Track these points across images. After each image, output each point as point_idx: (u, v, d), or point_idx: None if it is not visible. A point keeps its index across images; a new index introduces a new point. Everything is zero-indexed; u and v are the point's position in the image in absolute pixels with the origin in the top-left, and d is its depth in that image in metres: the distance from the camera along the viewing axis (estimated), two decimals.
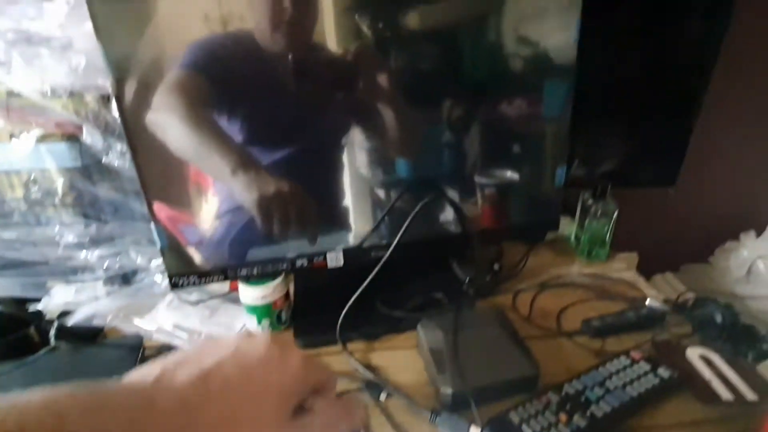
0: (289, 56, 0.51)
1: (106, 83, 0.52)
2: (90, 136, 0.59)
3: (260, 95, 0.54)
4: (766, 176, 1.18)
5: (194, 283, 0.57)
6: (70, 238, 0.64)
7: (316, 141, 0.57)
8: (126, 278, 0.65)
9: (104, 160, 0.60)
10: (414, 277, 0.70)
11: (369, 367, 0.53)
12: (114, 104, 0.52)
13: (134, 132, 0.50)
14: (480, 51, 0.57)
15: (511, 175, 0.64)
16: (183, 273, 0.56)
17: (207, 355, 0.25)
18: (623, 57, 0.84)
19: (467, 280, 0.66)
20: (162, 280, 0.63)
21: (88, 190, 0.61)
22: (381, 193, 0.61)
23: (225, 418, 0.23)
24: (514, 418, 0.42)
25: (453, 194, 0.63)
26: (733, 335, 0.52)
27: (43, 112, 0.57)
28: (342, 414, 0.29)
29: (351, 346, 0.56)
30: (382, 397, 0.48)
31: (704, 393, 0.46)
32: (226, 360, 0.25)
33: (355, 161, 0.58)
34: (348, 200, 0.60)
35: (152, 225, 0.53)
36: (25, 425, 0.17)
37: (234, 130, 0.53)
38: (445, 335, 0.50)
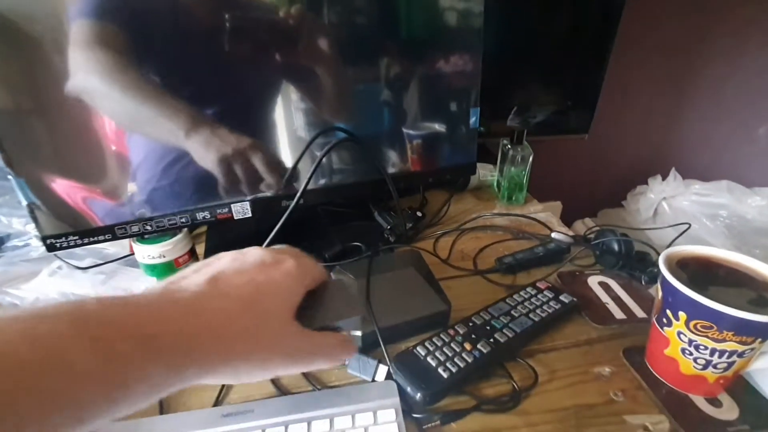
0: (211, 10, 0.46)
1: None
2: None
3: (177, 50, 0.48)
4: (670, 125, 1.27)
5: (75, 244, 0.50)
6: None
7: (241, 101, 0.52)
8: None
9: None
10: (336, 228, 0.68)
11: None
12: None
13: None
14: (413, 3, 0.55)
15: (435, 126, 0.63)
16: (61, 234, 0.49)
17: (211, 264, 0.28)
18: (544, 18, 0.89)
19: (388, 228, 0.65)
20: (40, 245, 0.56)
21: None
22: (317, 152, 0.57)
23: (236, 313, 0.25)
24: (421, 351, 0.42)
25: (383, 146, 0.61)
26: (629, 262, 0.56)
27: None
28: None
29: None
30: None
31: (600, 314, 0.49)
32: (228, 267, 0.28)
33: (292, 122, 0.55)
34: (283, 160, 0.56)
35: (12, 178, 0.46)
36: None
37: None
38: (358, 280, 0.49)
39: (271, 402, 0.39)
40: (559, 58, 0.93)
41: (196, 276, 0.27)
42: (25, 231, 0.57)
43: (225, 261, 0.29)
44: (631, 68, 1.14)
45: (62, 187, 0.48)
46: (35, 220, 0.48)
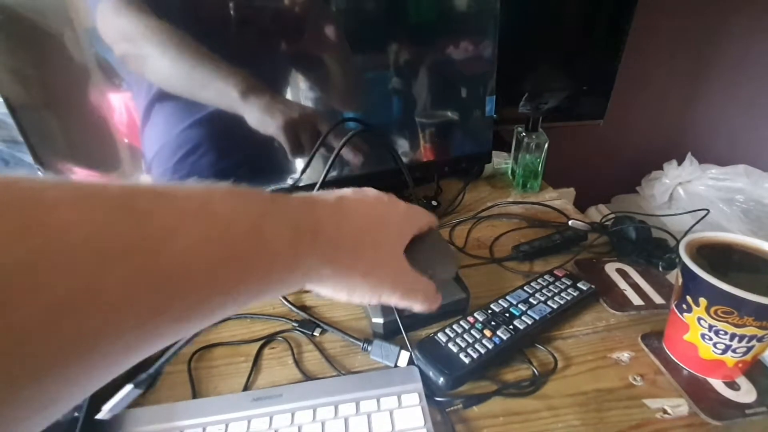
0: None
1: None
2: None
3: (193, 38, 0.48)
4: (687, 109, 1.25)
5: None
6: None
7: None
8: None
9: None
10: None
11: (303, 307, 0.52)
12: None
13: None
14: None
15: (449, 114, 0.63)
16: None
17: (333, 192, 0.29)
18: (558, 2, 0.87)
19: None
20: None
21: None
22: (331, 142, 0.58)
23: (363, 231, 0.27)
24: (442, 338, 0.43)
25: (396, 135, 0.61)
26: (647, 249, 0.56)
27: None
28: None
29: None
30: (316, 333, 0.48)
31: (618, 300, 0.50)
32: (351, 195, 0.29)
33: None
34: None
35: (41, 174, 0.47)
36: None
37: None
38: None
39: (299, 386, 0.41)
40: (573, 43, 0.92)
41: (325, 195, 0.28)
42: None
43: (347, 190, 0.30)
44: (646, 53, 1.12)
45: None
46: None
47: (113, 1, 0.44)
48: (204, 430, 0.37)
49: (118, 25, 0.45)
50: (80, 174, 0.50)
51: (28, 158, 0.57)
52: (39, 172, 0.47)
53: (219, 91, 0.48)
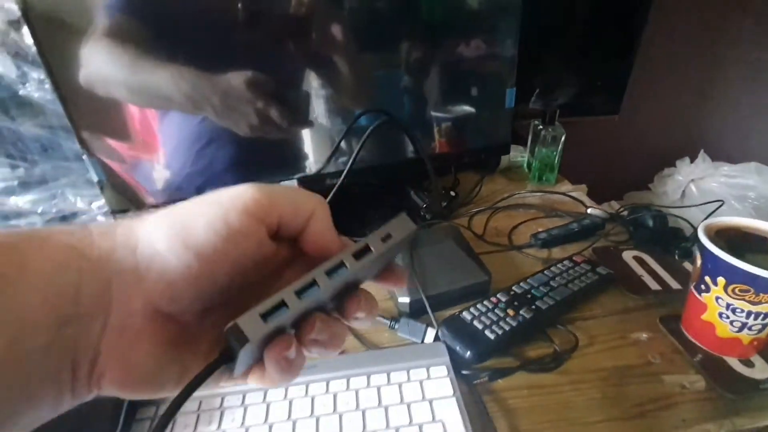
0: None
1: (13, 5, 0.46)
2: (0, 65, 0.53)
3: (203, 42, 0.50)
4: (700, 107, 1.26)
5: None
6: None
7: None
8: (65, 221, 0.62)
9: (21, 92, 0.54)
10: (373, 206, 0.70)
11: None
12: (26, 29, 0.46)
13: (54, 59, 0.45)
14: None
15: (467, 108, 0.65)
16: (127, 209, 0.53)
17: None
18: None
19: (424, 206, 0.68)
20: (107, 221, 0.60)
21: (6, 127, 0.56)
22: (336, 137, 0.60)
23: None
24: (467, 316, 0.45)
25: (416, 128, 0.63)
26: (663, 238, 0.57)
27: None
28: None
29: None
30: None
31: (635, 285, 0.51)
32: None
33: (314, 109, 0.57)
34: (307, 146, 0.59)
35: (85, 157, 0.50)
36: None
37: None
38: (402, 252, 0.52)
39: (332, 359, 0.43)
40: (588, 40, 0.93)
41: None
42: (90, 209, 0.61)
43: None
44: (660, 51, 1.13)
45: (117, 167, 0.52)
46: (106, 196, 0.52)
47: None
48: (244, 397, 0.39)
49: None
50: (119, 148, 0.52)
51: (66, 143, 0.60)
52: (84, 157, 0.50)
53: (180, 104, 0.50)
